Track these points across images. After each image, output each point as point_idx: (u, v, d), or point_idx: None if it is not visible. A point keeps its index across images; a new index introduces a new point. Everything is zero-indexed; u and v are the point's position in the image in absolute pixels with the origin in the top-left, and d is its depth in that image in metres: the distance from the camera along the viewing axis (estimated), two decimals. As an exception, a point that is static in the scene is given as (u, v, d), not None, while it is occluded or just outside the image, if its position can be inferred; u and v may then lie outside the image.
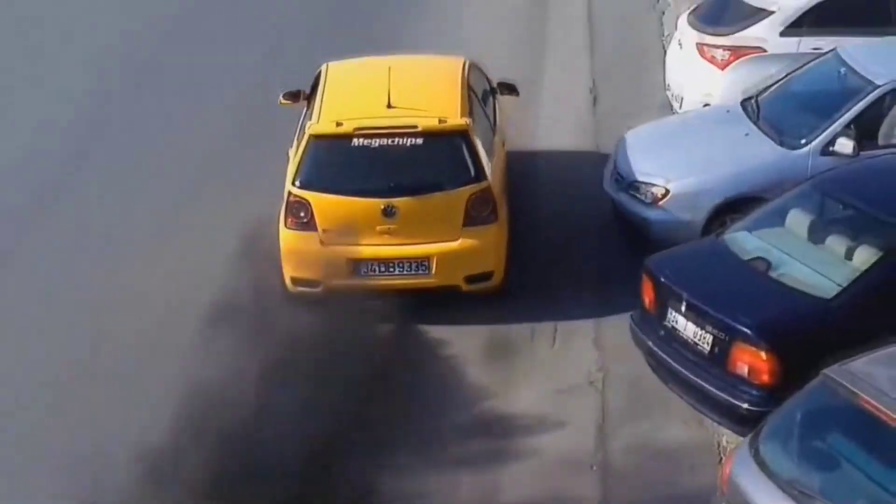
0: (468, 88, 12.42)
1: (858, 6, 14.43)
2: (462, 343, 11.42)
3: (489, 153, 12.00)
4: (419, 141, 11.62)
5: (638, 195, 12.47)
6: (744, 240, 10.70)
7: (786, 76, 13.37)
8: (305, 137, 11.80)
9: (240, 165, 13.93)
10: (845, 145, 12.18)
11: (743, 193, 12.14)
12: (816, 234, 10.50)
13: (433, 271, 11.71)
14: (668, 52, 15.53)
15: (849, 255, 10.16)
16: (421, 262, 11.71)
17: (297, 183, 11.66)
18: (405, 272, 11.73)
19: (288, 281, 11.78)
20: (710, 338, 9.96)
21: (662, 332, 10.38)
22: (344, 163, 11.67)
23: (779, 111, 12.89)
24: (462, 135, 11.70)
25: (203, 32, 17.73)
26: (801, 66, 13.39)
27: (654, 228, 12.34)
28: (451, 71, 12.70)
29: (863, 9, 14.38)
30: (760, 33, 14.43)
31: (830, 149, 12.23)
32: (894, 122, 12.34)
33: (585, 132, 15.04)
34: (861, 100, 12.37)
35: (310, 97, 12.73)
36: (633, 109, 14.95)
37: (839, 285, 9.92)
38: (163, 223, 13.06)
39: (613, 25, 17.84)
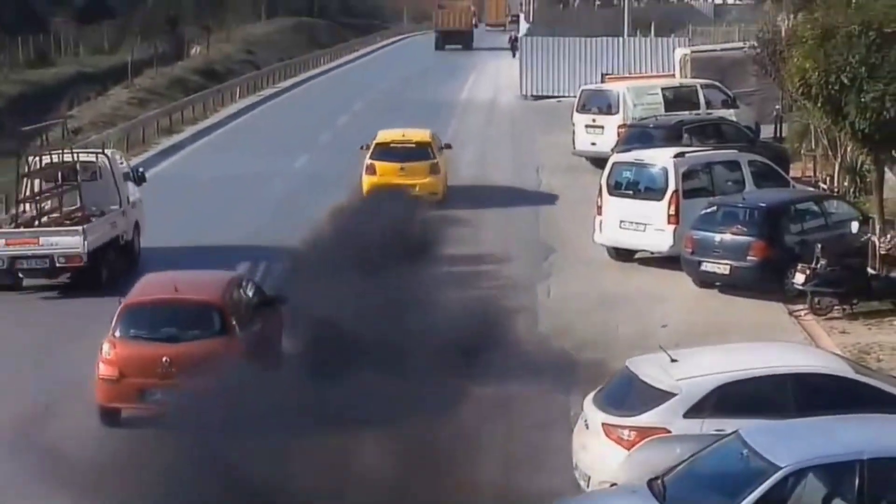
0: (432, 136, 33.47)
1: (759, 391, 14.85)
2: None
3: (439, 155, 32.67)
4: (413, 146, 32.35)
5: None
6: None
7: (691, 457, 13.59)
8: (374, 144, 32.57)
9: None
10: (752, 526, 12.28)
11: (651, 574, 12.13)
12: None
13: (417, 189, 30.80)
14: (574, 432, 15.72)
15: None
16: (414, 186, 30.80)
17: (370, 158, 32.06)
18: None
19: (365, 193, 31.24)
20: None
21: None
22: (386, 152, 32.14)
23: (685, 492, 12.99)
24: (428, 144, 32.58)
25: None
26: (706, 448, 13.63)
27: None
28: (425, 130, 33.98)
29: (763, 394, 14.79)
30: (664, 415, 14.73)
31: (737, 529, 12.33)
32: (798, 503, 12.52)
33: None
34: (763, 482, 12.51)
35: (370, 143, 33.01)
36: (541, 489, 15.01)
37: None
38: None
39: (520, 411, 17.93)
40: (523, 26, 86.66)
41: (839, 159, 30.58)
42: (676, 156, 26.55)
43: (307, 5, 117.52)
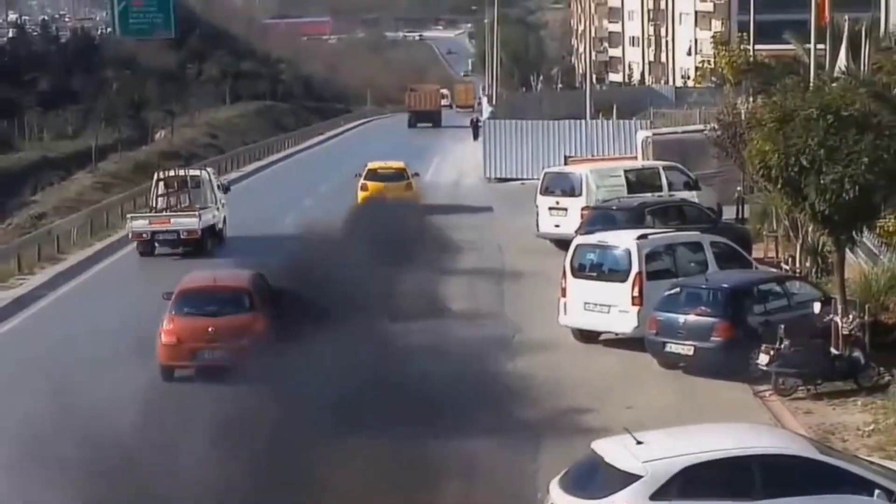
0: (406, 165, 49.84)
1: (725, 473, 14.88)
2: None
3: (412, 178, 48.87)
4: (393, 171, 48.61)
5: None
6: None
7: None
8: (366, 169, 48.68)
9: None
10: None
11: None
12: None
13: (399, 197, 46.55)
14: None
15: None
16: (395, 197, 45.23)
17: (362, 181, 47.83)
18: None
19: (359, 201, 45.94)
20: None
21: None
22: (374, 176, 48.09)
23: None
24: (403, 170, 48.96)
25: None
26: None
27: None
28: (401, 161, 50.45)
29: (729, 476, 14.81)
30: (631, 498, 14.73)
31: None
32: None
33: None
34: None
35: (363, 171, 48.73)
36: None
37: None
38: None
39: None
40: (486, 109, 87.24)
41: (800, 240, 30.81)
42: (639, 238, 26.72)
43: (270, 89, 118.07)
